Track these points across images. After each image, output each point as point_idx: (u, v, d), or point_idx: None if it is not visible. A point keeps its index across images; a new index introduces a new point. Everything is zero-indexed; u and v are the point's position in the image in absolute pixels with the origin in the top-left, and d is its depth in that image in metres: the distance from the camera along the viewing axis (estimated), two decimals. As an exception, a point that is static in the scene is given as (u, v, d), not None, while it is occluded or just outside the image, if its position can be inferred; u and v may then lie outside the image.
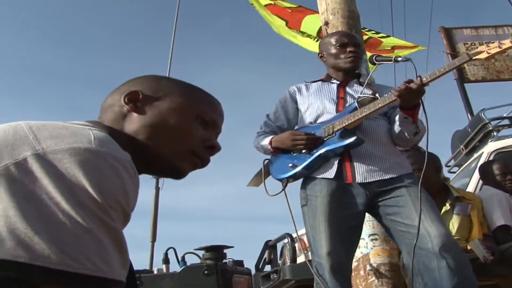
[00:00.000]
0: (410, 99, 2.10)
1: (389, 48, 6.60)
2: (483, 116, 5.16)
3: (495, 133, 4.99)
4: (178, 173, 1.02)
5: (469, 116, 6.91)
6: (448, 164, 6.01)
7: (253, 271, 4.24)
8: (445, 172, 5.55)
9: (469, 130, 5.40)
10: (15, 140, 0.74)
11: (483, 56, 2.07)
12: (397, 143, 2.35)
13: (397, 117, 2.22)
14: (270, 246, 4.91)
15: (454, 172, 5.80)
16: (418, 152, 3.18)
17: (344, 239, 2.13)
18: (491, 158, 4.52)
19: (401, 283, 2.80)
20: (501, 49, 2.05)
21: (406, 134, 2.22)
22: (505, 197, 3.09)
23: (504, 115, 5.14)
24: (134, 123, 0.97)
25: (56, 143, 0.74)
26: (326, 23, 3.63)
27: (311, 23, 6.21)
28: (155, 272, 3.03)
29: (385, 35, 6.68)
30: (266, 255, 4.98)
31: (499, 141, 4.77)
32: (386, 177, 2.19)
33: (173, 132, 0.98)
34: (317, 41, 6.11)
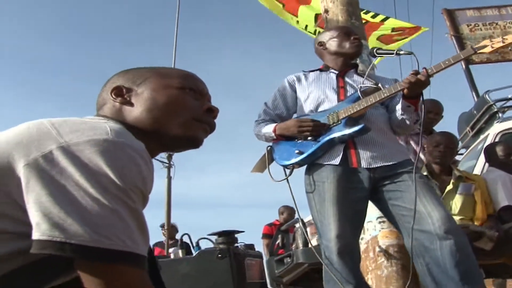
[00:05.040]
0: (417, 89, 2.20)
1: (389, 31, 6.58)
2: (488, 98, 5.19)
3: (500, 115, 5.02)
4: (193, 142, 1.10)
5: (475, 98, 6.92)
6: (456, 146, 6.07)
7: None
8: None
9: (475, 112, 5.42)
10: (40, 136, 0.83)
11: (487, 50, 2.17)
12: (395, 131, 2.45)
13: (398, 106, 2.31)
14: (282, 231, 5.03)
15: (461, 154, 5.86)
16: (432, 134, 3.34)
17: (351, 222, 2.21)
18: (496, 139, 4.55)
19: (409, 263, 2.90)
20: (504, 44, 2.16)
21: (407, 122, 2.31)
22: (509, 178, 3.14)
23: (509, 96, 5.15)
24: (131, 114, 1.06)
25: (78, 136, 0.83)
26: (326, 11, 3.70)
27: (305, 15, 6.24)
28: (172, 256, 3.16)
29: (384, 17, 6.65)
30: (279, 240, 5.11)
31: (505, 122, 4.77)
32: (389, 163, 2.28)
33: (168, 107, 1.07)
34: (314, 32, 6.15)
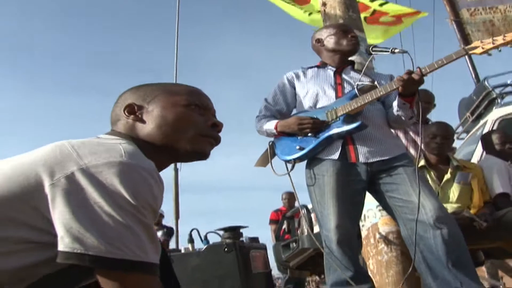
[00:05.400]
0: (411, 88, 2.30)
1: (394, 18, 6.60)
2: (487, 84, 5.28)
3: (499, 100, 5.11)
4: (201, 155, 1.23)
5: (476, 82, 6.99)
6: (456, 131, 6.17)
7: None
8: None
9: (474, 97, 5.51)
10: (63, 158, 0.96)
11: (478, 51, 2.25)
12: (392, 126, 2.57)
13: (395, 103, 2.43)
14: (288, 217, 5.19)
15: (462, 139, 5.97)
16: (428, 124, 3.44)
17: (349, 213, 2.35)
18: (495, 125, 4.64)
19: (407, 249, 3.04)
20: (494, 45, 2.23)
21: (403, 118, 2.43)
22: (505, 166, 3.23)
23: (508, 82, 5.24)
24: (144, 131, 1.18)
25: (95, 159, 0.95)
26: (324, 4, 3.74)
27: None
28: (183, 251, 3.38)
29: (383, 2, 6.66)
30: (285, 225, 5.28)
31: (503, 108, 4.86)
32: (385, 158, 2.41)
33: (176, 124, 1.18)
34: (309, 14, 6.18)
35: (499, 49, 2.24)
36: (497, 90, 5.18)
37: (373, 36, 6.59)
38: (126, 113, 1.21)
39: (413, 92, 2.34)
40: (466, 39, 7.23)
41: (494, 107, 5.04)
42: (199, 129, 1.21)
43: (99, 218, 0.90)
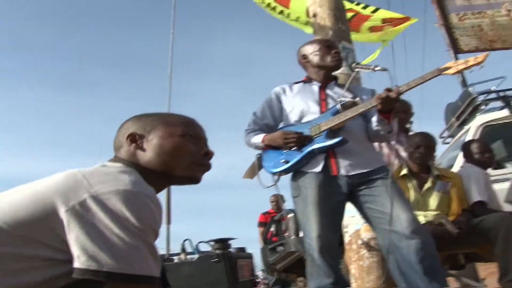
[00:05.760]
0: (389, 105, 2.44)
1: (379, 23, 6.72)
2: (472, 90, 5.42)
3: (483, 107, 5.26)
4: (194, 181, 1.39)
5: (462, 87, 7.11)
6: (442, 135, 6.30)
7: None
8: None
9: (460, 103, 5.65)
10: (75, 186, 1.10)
11: (451, 71, 2.37)
12: (372, 140, 2.70)
13: (374, 118, 2.56)
14: (275, 221, 5.32)
15: (448, 143, 6.10)
16: (412, 135, 3.57)
17: (330, 223, 2.49)
18: (479, 131, 4.78)
19: (388, 254, 3.17)
20: (466, 66, 2.37)
21: (381, 132, 2.56)
22: (482, 174, 3.38)
23: (492, 89, 5.39)
24: (144, 158, 1.33)
25: (104, 187, 1.09)
26: (314, 15, 3.88)
27: (297, 6, 6.37)
28: (176, 260, 3.61)
29: (374, 8, 6.76)
30: (273, 228, 5.41)
31: (487, 115, 5.01)
32: (365, 170, 2.54)
33: (172, 153, 1.33)
34: (306, 24, 6.28)
35: (471, 69, 2.36)
36: (482, 97, 5.32)
37: (364, 38, 6.70)
38: (129, 142, 1.34)
39: (391, 108, 2.47)
40: (454, 44, 7.33)
41: (478, 113, 5.16)
42: (193, 157, 1.35)
43: (110, 239, 1.03)
